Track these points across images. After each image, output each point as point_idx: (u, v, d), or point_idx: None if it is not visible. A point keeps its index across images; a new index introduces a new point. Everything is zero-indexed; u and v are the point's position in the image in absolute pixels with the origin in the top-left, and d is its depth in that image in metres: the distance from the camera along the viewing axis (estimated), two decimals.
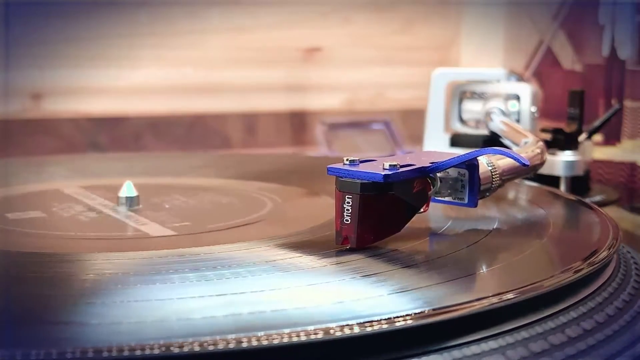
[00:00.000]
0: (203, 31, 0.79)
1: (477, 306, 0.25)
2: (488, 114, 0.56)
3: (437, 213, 0.37)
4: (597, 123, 0.59)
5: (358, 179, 0.30)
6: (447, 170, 0.33)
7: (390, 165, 0.30)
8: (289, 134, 0.83)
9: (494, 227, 0.36)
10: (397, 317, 0.23)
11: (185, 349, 0.21)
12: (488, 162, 0.35)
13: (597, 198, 0.56)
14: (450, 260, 0.30)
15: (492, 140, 0.54)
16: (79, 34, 0.74)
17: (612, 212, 0.51)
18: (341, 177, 0.30)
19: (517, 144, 0.45)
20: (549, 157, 0.51)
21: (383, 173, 0.30)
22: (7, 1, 0.70)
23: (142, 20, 0.76)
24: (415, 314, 0.24)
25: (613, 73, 0.67)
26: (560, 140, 0.56)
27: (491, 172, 0.34)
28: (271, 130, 0.83)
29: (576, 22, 0.72)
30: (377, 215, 0.31)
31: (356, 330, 0.22)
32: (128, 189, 0.42)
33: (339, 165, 0.31)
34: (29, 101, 0.74)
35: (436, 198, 0.34)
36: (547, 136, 0.56)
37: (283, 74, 0.82)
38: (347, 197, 0.30)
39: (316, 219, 0.37)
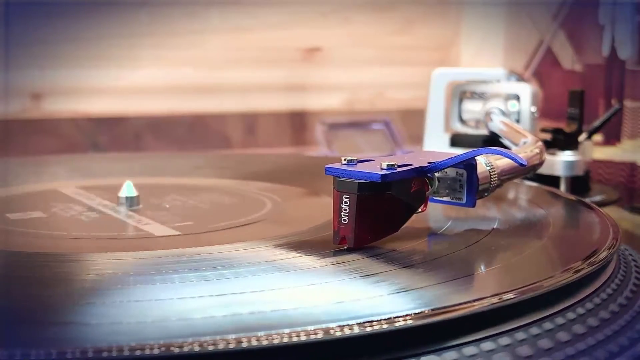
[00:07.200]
0: (203, 31, 0.79)
1: (477, 306, 0.25)
2: (488, 114, 0.56)
3: (436, 213, 0.37)
4: (597, 123, 0.59)
5: (355, 178, 0.30)
6: (445, 170, 0.33)
7: (387, 165, 0.30)
8: (289, 134, 0.83)
9: (494, 227, 0.36)
10: (397, 317, 0.23)
11: (185, 349, 0.21)
12: (486, 162, 0.34)
13: (597, 198, 0.56)
14: (450, 261, 0.30)
15: (492, 140, 0.54)
16: (79, 34, 0.74)
17: (612, 212, 0.51)
18: (339, 177, 0.30)
19: (516, 144, 0.45)
20: (549, 157, 0.51)
21: (380, 173, 0.30)
22: (7, 1, 0.70)
23: (142, 20, 0.76)
24: (414, 314, 0.24)
25: (613, 73, 0.67)
26: (560, 140, 0.56)
27: (489, 172, 0.34)
28: (271, 130, 0.83)
29: (576, 22, 0.72)
30: (375, 215, 0.31)
31: (356, 330, 0.22)
32: (128, 189, 0.42)
33: (336, 165, 0.31)
34: (29, 101, 0.74)
35: (434, 198, 0.34)
36: (547, 136, 0.56)
37: (283, 74, 0.82)
38: (345, 197, 0.30)
39: (316, 219, 0.37)
